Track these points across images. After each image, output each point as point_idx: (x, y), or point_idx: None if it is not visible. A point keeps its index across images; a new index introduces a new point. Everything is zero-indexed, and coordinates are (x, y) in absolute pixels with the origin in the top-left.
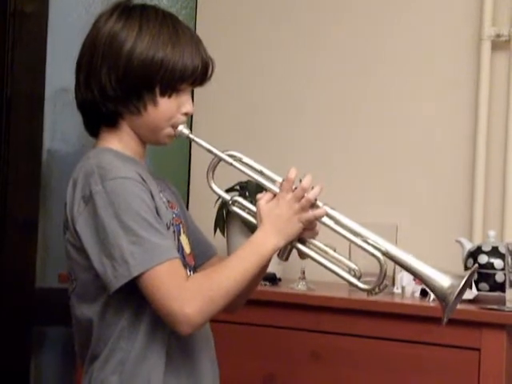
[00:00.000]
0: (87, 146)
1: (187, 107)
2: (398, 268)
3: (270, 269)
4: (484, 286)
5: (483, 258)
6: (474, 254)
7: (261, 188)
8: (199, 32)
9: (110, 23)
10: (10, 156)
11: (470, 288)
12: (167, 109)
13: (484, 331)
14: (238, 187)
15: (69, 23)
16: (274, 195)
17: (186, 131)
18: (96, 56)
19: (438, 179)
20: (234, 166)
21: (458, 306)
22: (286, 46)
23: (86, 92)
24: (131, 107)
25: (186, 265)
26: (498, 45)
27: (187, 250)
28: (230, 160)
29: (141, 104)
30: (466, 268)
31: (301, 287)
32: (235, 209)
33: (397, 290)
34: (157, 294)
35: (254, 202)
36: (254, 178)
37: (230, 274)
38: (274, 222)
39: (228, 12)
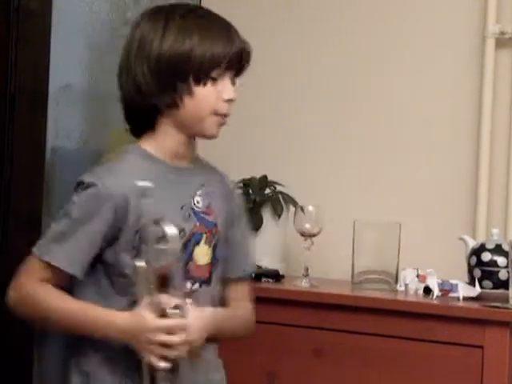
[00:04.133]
0: (89, 143)
1: (227, 93)
2: (401, 265)
3: (274, 265)
4: (487, 283)
5: (487, 256)
6: (477, 251)
7: (265, 184)
8: None
9: (140, 27)
10: (14, 153)
11: (473, 285)
12: (204, 97)
13: (487, 329)
14: (241, 184)
15: (72, 20)
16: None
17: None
18: (130, 59)
19: (441, 177)
20: None
21: (462, 304)
22: (289, 44)
23: (126, 93)
24: (167, 100)
25: (190, 277)
26: (502, 42)
27: (201, 261)
28: None
29: (177, 96)
30: (470, 266)
31: (304, 284)
32: None
33: (400, 287)
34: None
35: (256, 195)
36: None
37: (61, 312)
38: (134, 331)
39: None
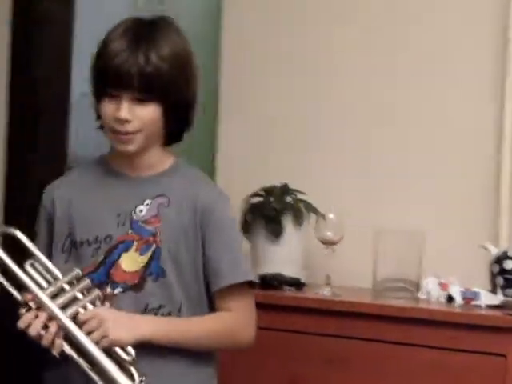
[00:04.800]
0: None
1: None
2: (423, 273)
3: (295, 274)
4: (510, 291)
5: (509, 264)
6: (499, 259)
7: (286, 192)
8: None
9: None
10: (38, 159)
11: (496, 293)
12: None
13: (510, 337)
14: (262, 192)
15: (93, 29)
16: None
17: None
18: None
19: (463, 185)
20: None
21: (484, 312)
22: (310, 51)
23: None
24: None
25: (111, 282)
26: None
27: (128, 267)
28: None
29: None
30: (492, 274)
31: (326, 292)
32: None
33: (422, 295)
34: None
35: (277, 203)
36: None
37: None
38: None
39: (253, 21)
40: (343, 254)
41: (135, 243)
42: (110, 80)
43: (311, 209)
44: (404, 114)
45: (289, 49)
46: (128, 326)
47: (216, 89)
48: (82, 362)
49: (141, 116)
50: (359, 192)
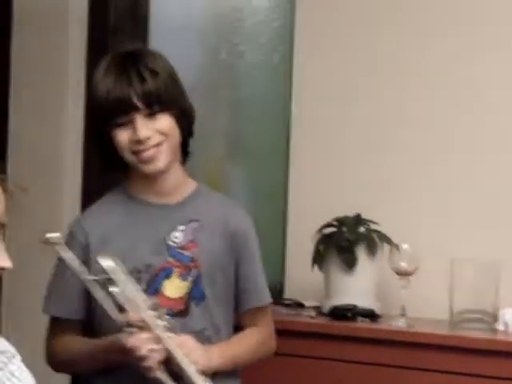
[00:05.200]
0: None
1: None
2: (500, 303)
3: (369, 305)
4: None
5: None
6: None
7: (359, 222)
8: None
9: None
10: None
11: None
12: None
13: None
14: (335, 222)
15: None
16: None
17: (56, 240)
18: None
19: None
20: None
21: None
22: (383, 74)
23: None
24: None
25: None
26: None
27: (171, 294)
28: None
29: None
30: None
31: (401, 324)
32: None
33: (500, 326)
34: None
35: (350, 234)
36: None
37: (81, 355)
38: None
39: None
40: (418, 285)
41: (175, 270)
42: (115, 112)
43: (385, 239)
44: (480, 141)
45: (362, 81)
46: (207, 355)
47: (288, 117)
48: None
49: (158, 128)
50: (434, 221)
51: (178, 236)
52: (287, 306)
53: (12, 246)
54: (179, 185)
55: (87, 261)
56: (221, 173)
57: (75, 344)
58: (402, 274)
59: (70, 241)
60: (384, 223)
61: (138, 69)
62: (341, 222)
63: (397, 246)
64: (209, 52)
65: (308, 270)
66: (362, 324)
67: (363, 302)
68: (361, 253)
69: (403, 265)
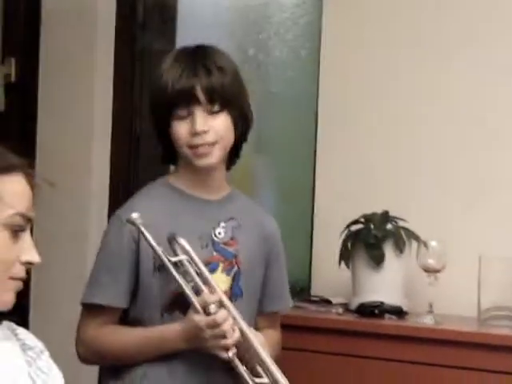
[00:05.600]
0: None
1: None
2: None
3: (396, 302)
4: None
5: None
6: None
7: (387, 219)
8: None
9: None
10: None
11: None
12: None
13: None
14: (362, 219)
15: None
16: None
17: (138, 221)
18: None
19: None
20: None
21: None
22: (409, 73)
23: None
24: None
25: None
26: None
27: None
28: (169, 264)
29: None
30: None
31: (428, 321)
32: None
33: None
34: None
35: (378, 231)
36: (183, 289)
37: (126, 345)
38: (189, 335)
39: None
40: (446, 282)
41: (221, 264)
42: (178, 101)
43: (412, 236)
44: (510, 137)
45: (390, 77)
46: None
47: (315, 113)
48: (240, 366)
49: (215, 126)
50: (462, 218)
51: (220, 232)
52: (314, 302)
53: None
54: (221, 185)
55: (137, 250)
56: (248, 168)
57: (124, 333)
58: (430, 271)
59: (122, 228)
60: (412, 220)
61: (205, 63)
62: (368, 218)
63: (425, 243)
64: (237, 48)
65: (335, 266)
66: (389, 321)
67: (390, 298)
68: (388, 250)
69: (431, 262)
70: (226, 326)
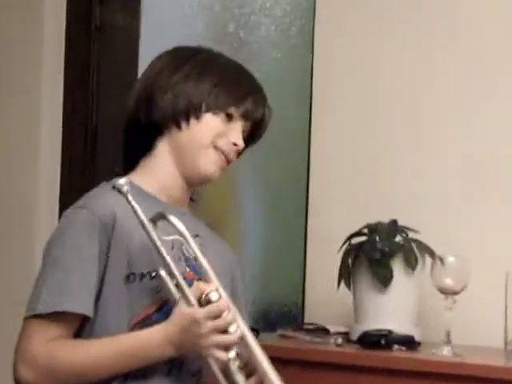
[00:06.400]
0: None
1: (235, 137)
2: None
3: (407, 330)
4: None
5: None
6: None
7: (396, 230)
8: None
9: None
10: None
11: None
12: (210, 124)
13: None
14: (365, 230)
15: (162, 38)
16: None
17: (124, 188)
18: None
19: None
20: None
21: None
22: (417, 77)
23: (133, 109)
24: (176, 116)
25: None
26: None
27: None
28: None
29: (183, 116)
30: None
31: (445, 353)
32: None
33: None
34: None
35: (384, 244)
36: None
37: (94, 360)
38: (180, 334)
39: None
40: (466, 306)
41: (195, 282)
42: (247, 116)
43: (426, 250)
44: None
45: (395, 81)
46: None
47: (310, 102)
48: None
49: (240, 146)
50: (484, 230)
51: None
52: (309, 331)
53: None
54: (186, 201)
55: (110, 238)
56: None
57: (89, 345)
58: (447, 292)
59: (93, 221)
60: (425, 231)
61: (266, 104)
62: (373, 229)
63: (441, 259)
64: (214, 24)
65: (333, 288)
66: (399, 353)
67: (400, 326)
68: (397, 267)
69: (448, 281)
70: (230, 317)
